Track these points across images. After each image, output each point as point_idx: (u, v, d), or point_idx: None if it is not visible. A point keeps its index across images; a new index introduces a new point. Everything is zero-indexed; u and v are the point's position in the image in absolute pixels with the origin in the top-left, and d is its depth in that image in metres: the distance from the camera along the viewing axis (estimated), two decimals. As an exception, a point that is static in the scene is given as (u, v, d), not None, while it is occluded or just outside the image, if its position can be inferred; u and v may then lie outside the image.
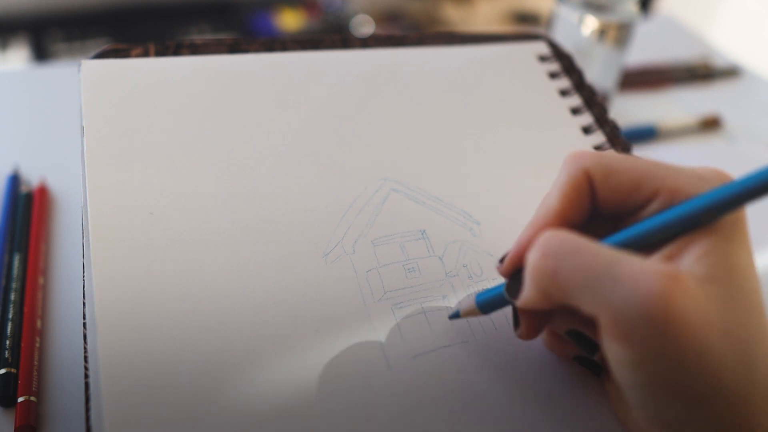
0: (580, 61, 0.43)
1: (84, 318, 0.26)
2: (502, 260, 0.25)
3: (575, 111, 0.37)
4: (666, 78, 0.63)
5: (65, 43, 1.33)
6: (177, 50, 0.34)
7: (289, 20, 1.54)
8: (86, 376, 0.24)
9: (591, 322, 0.23)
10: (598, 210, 0.24)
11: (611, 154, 0.24)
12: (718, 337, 0.20)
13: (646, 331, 0.19)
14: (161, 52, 0.34)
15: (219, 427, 0.23)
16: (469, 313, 0.26)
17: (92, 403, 0.23)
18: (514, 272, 0.24)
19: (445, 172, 0.33)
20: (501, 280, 0.26)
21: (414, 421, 0.24)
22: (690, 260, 0.21)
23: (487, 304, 0.26)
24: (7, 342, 0.31)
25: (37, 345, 0.32)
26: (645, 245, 0.22)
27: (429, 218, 0.30)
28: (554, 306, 0.22)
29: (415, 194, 0.31)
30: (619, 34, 0.52)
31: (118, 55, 0.33)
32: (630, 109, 0.58)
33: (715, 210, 0.21)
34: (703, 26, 1.26)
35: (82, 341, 0.26)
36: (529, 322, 0.25)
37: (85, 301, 0.26)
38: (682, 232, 0.22)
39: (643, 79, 0.62)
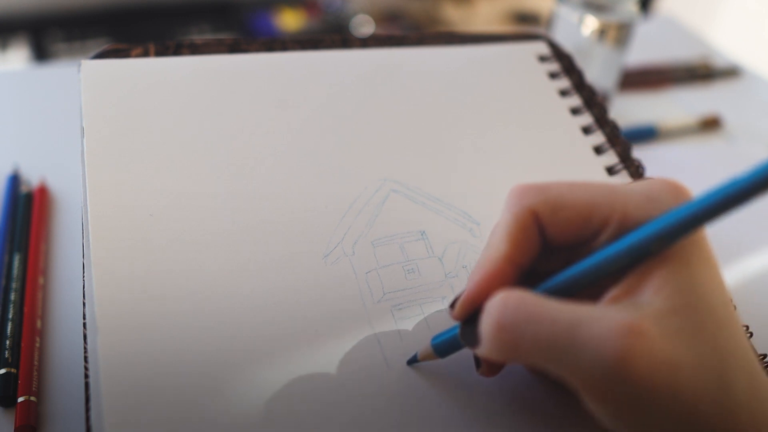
0: (580, 61, 0.43)
1: (84, 318, 0.26)
2: (453, 305, 0.23)
3: (575, 111, 0.37)
4: (666, 78, 0.63)
5: (65, 43, 1.33)
6: (177, 50, 0.34)
7: (289, 20, 1.54)
8: (86, 376, 0.24)
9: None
10: (549, 242, 0.23)
11: (556, 186, 0.23)
12: (690, 370, 0.20)
13: (618, 390, 0.20)
14: (161, 52, 0.34)
15: (219, 427, 0.23)
16: (427, 357, 0.25)
17: (92, 403, 0.23)
18: (468, 318, 0.23)
19: (445, 172, 0.33)
20: None
21: (413, 421, 0.24)
22: (649, 294, 0.21)
23: (443, 348, 0.25)
24: (7, 342, 0.31)
25: (37, 345, 0.32)
26: (597, 280, 0.22)
27: (429, 219, 0.30)
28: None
29: (415, 195, 0.31)
30: (619, 34, 0.52)
31: (118, 55, 0.33)
32: (630, 109, 0.58)
33: (663, 239, 0.20)
34: (703, 26, 1.26)
35: (82, 341, 0.26)
36: (491, 364, 0.25)
37: (85, 301, 0.26)
38: (635, 263, 0.21)
39: (643, 79, 0.62)
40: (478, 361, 0.25)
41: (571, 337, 0.20)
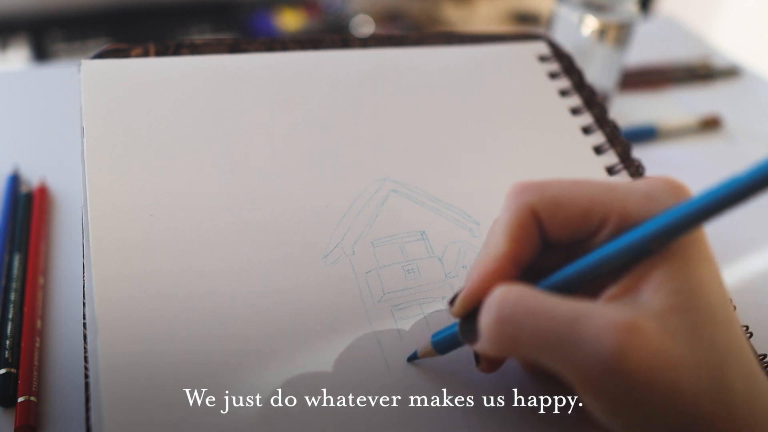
0: (580, 61, 0.43)
1: (84, 318, 0.26)
2: (452, 301, 0.24)
3: (575, 111, 0.37)
4: (666, 78, 0.63)
5: (65, 43, 1.33)
6: (177, 50, 0.34)
7: (289, 20, 1.54)
8: (86, 376, 0.24)
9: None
10: (548, 240, 0.23)
11: (556, 184, 0.23)
12: (688, 369, 0.20)
13: (614, 386, 0.20)
14: (161, 52, 0.34)
15: (218, 427, 0.23)
16: (427, 354, 0.25)
17: (92, 403, 0.23)
18: (467, 314, 0.23)
19: (445, 172, 0.33)
20: None
21: (413, 420, 0.24)
22: (649, 292, 0.21)
23: (443, 345, 0.25)
24: (7, 342, 0.31)
25: (37, 345, 0.32)
26: (596, 277, 0.22)
27: (428, 219, 0.30)
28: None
29: (415, 195, 0.31)
30: (619, 34, 0.51)
31: (118, 55, 0.33)
32: (630, 109, 0.58)
33: (662, 237, 0.20)
34: (703, 26, 1.26)
35: (82, 341, 0.26)
36: (490, 360, 0.25)
37: (85, 301, 0.26)
38: (634, 260, 0.21)
39: (643, 79, 0.62)
40: (477, 357, 0.25)
41: (569, 332, 0.20)
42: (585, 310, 0.20)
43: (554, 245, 0.23)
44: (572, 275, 0.22)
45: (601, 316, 0.20)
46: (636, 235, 0.21)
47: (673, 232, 0.20)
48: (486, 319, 0.21)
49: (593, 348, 0.19)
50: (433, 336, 0.25)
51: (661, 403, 0.20)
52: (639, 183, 0.23)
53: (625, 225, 0.22)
